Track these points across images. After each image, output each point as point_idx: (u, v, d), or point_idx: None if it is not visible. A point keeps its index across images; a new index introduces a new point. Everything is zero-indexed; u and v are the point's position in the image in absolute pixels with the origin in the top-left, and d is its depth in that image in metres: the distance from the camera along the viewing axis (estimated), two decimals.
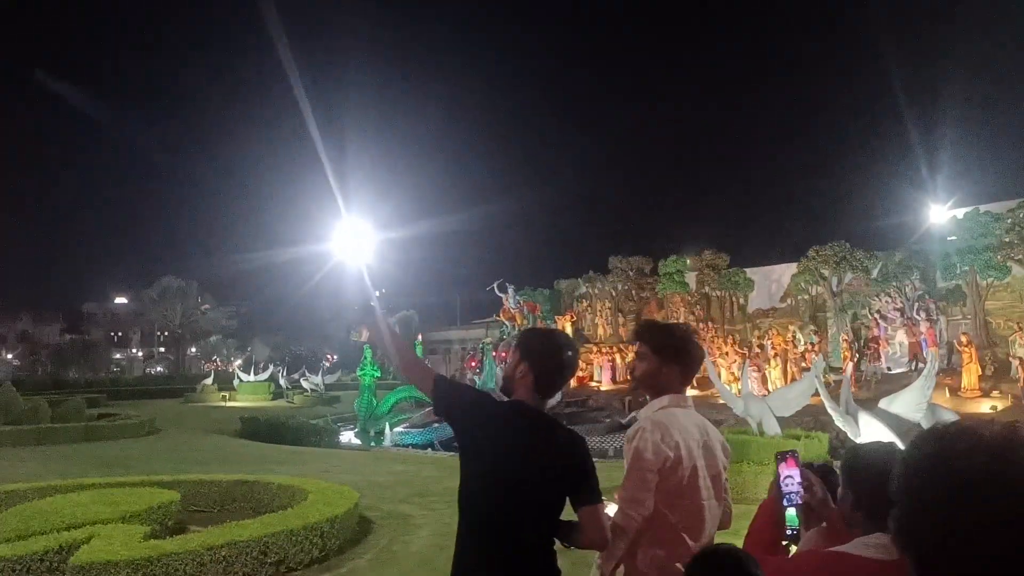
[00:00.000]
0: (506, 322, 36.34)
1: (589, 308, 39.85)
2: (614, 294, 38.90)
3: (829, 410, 11.42)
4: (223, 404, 37.44)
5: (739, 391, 28.72)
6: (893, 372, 28.36)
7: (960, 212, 28.90)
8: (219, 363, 45.58)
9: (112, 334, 55.98)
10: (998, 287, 27.43)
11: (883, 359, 28.79)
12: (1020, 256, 25.80)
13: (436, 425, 27.05)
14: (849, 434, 11.02)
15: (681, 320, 36.17)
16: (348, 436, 27.12)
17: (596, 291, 39.63)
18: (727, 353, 31.33)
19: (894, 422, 11.33)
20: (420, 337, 46.52)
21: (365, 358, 29.27)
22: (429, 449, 23.80)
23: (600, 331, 39.00)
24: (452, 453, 22.25)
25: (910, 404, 11.67)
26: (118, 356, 52.50)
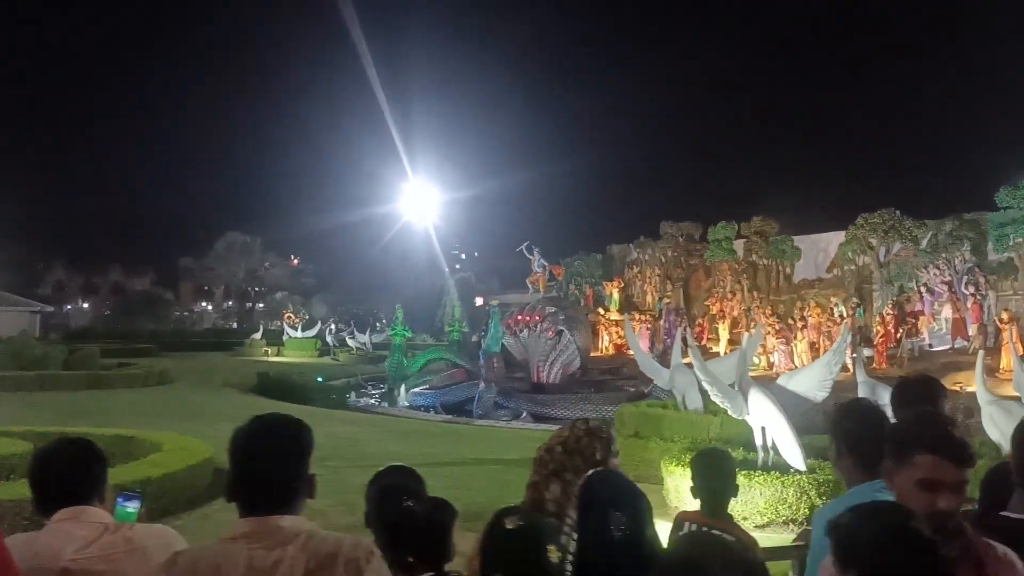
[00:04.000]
0: (530, 285, 36.32)
1: (639, 275, 39.28)
2: (664, 260, 38.18)
3: (704, 384, 11.00)
4: (266, 359, 39.11)
5: (769, 364, 28.03)
6: (934, 349, 26.85)
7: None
8: (292, 317, 47.29)
9: (201, 287, 59.48)
10: None
11: (926, 335, 27.26)
12: None
13: (454, 387, 27.59)
14: (730, 411, 10.59)
15: (728, 288, 35.27)
16: (369, 396, 27.88)
17: (647, 257, 38.99)
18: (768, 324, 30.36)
19: (790, 400, 10.84)
20: (481, 300, 46.93)
21: (396, 318, 29.92)
22: (432, 411, 24.27)
23: (648, 298, 38.42)
24: (449, 417, 22.81)
25: (812, 382, 11.07)
26: (196, 309, 55.65)
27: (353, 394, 26.98)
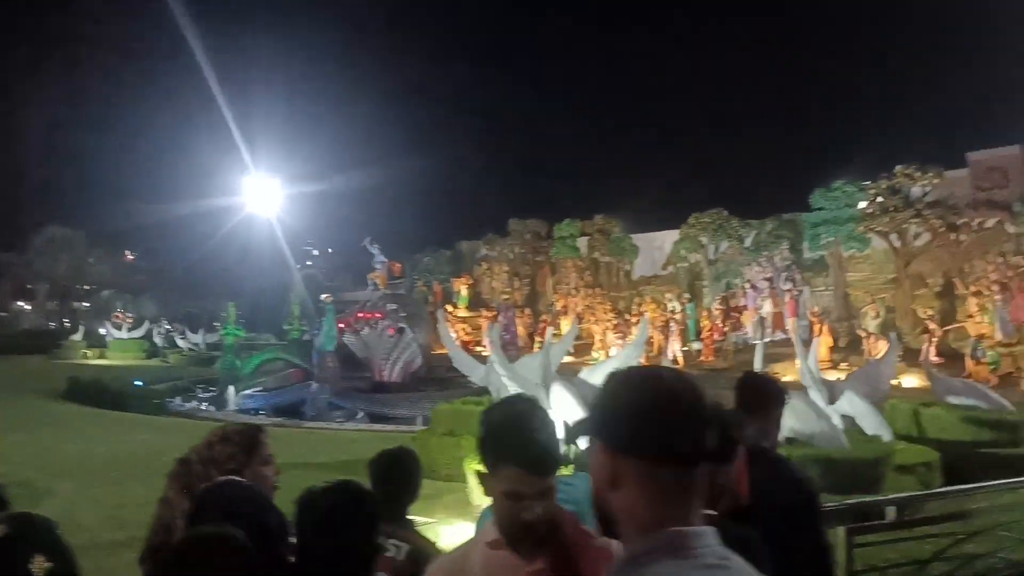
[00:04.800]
0: (371, 281, 35.89)
1: (488, 271, 39.50)
2: (511, 257, 38.54)
3: (504, 380, 11.06)
4: (86, 362, 36.53)
5: (608, 359, 28.80)
6: (757, 342, 28.36)
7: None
8: (122, 316, 44.31)
9: (22, 286, 54.73)
10: (859, 259, 27.44)
11: (749, 329, 28.75)
12: (880, 227, 25.66)
13: (287, 388, 26.77)
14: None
15: (572, 285, 36.03)
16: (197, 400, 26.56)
17: (495, 254, 39.24)
18: (605, 320, 31.21)
19: (589, 392, 11.06)
20: (329, 298, 45.73)
21: (228, 317, 28.74)
22: (262, 414, 23.42)
23: (502, 296, 38.68)
24: (278, 420, 22.00)
25: None
26: (12, 309, 51.27)
27: (179, 398, 25.63)
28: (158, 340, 41.34)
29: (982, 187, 25.07)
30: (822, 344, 25.45)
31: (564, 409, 10.76)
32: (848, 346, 25.92)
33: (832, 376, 24.39)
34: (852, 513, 6.46)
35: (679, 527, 1.42)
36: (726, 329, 28.88)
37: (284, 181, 45.57)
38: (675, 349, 28.12)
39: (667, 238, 33.34)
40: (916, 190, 25.35)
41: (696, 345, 28.91)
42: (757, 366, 13.02)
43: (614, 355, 12.60)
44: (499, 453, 2.23)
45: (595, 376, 11.46)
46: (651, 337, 29.63)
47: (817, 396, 12.14)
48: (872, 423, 11.37)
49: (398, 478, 3.51)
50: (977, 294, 23.81)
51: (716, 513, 2.61)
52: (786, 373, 23.69)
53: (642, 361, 17.71)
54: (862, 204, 26.45)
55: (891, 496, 6.52)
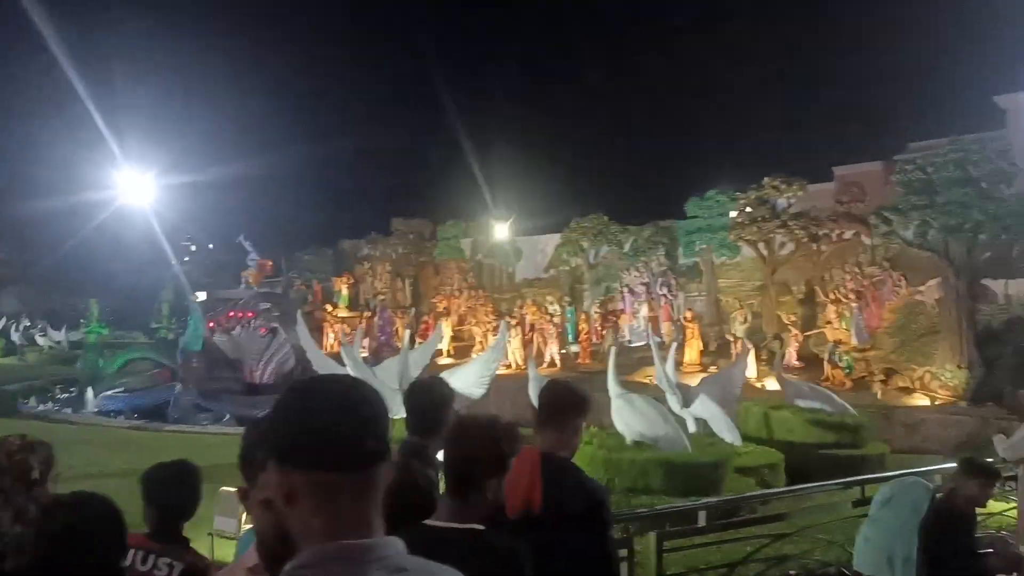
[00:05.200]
0: (243, 279, 34.80)
1: (370, 270, 38.90)
2: (395, 257, 38.08)
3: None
4: None
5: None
6: (633, 345, 28.96)
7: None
8: None
9: None
10: (730, 266, 28.45)
11: (626, 332, 29.35)
12: (749, 236, 26.63)
13: (151, 389, 25.56)
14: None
15: (455, 286, 35.91)
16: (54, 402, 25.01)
17: (378, 253, 38.68)
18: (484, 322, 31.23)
19: None
20: (201, 297, 43.95)
21: (91, 314, 27.20)
22: (121, 416, 22.25)
23: (379, 296, 38.14)
24: (138, 422, 20.98)
25: (471, 378, 11.35)
26: None
27: (33, 399, 24.05)
28: (16, 337, 38.70)
29: (842, 200, 26.39)
30: (693, 347, 26.28)
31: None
32: (718, 350, 26.77)
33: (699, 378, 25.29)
34: (686, 516, 6.57)
35: (351, 540, 1.33)
36: (604, 332, 29.40)
37: (160, 172, 43.46)
38: (553, 351, 28.40)
39: (549, 241, 33.69)
40: (782, 201, 26.47)
41: (574, 348, 29.31)
42: (658, 370, 13.21)
43: (473, 359, 12.53)
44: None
45: (454, 378, 11.32)
46: (529, 339, 29.93)
47: (672, 400, 12.44)
48: (723, 426, 11.72)
49: (173, 494, 3.31)
50: (836, 301, 25.08)
51: (483, 527, 2.54)
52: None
53: (547, 367, 17.81)
54: (733, 213, 27.43)
55: (703, 501, 6.66)
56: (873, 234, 24.31)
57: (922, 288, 24.25)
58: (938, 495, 4.88)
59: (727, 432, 11.57)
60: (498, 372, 27.03)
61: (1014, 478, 6.69)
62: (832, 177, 31.08)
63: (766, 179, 26.55)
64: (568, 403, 3.34)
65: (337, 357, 25.33)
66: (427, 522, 2.57)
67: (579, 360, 28.40)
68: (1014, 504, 6.72)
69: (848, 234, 25.84)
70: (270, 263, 36.98)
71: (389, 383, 12.22)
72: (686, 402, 12.24)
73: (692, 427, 12.15)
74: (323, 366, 13.98)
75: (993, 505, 6.88)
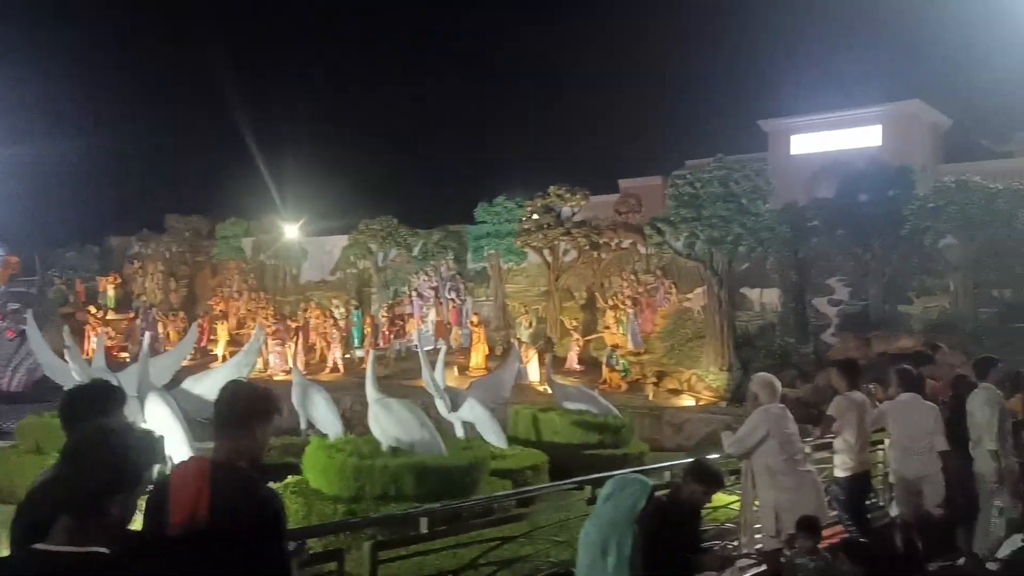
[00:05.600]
0: None
1: (140, 270, 35.97)
2: (168, 256, 35.46)
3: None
4: None
5: (265, 365, 27.40)
6: (424, 349, 28.62)
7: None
8: None
9: None
10: (516, 271, 28.93)
11: (414, 336, 28.95)
12: (535, 243, 27.14)
13: None
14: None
15: (234, 288, 33.98)
16: None
17: (150, 251, 35.86)
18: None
19: (191, 403, 10.06)
20: None
21: None
22: None
23: (150, 296, 35.34)
24: None
25: (218, 383, 10.52)
26: None
27: None
28: None
29: (621, 211, 27.57)
30: (479, 352, 26.36)
31: (159, 422, 9.61)
32: (503, 354, 26.99)
33: None
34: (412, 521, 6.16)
35: None
36: (391, 336, 28.89)
37: None
38: (336, 356, 27.49)
39: (337, 243, 32.76)
40: (566, 210, 27.24)
41: (359, 352, 28.55)
42: (426, 375, 12.84)
43: (226, 363, 11.68)
44: None
45: (200, 385, 10.40)
46: (313, 343, 28.85)
47: (440, 404, 12.17)
48: (489, 429, 11.58)
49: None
50: (614, 307, 26.09)
51: (106, 551, 2.29)
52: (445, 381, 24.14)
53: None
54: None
55: (423, 507, 6.34)
56: (648, 244, 25.53)
57: (690, 296, 25.79)
58: (660, 492, 4.90)
59: (493, 436, 11.45)
60: (278, 378, 26.01)
61: (737, 472, 6.92)
62: (619, 189, 32.54)
63: (551, 187, 27.19)
64: (248, 408, 3.07)
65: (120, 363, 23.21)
66: (39, 546, 2.25)
67: (363, 365, 27.62)
68: (738, 497, 6.93)
69: (626, 243, 27.02)
70: (16, 259, 33.20)
71: (129, 390, 11.00)
72: (454, 406, 11.99)
73: (460, 431, 11.93)
74: (57, 372, 12.45)
75: (720, 498, 7.09)
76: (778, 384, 6.77)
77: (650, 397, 22.96)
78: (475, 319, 26.73)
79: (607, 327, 25.92)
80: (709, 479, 5.01)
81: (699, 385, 23.13)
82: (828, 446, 8.06)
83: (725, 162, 23.68)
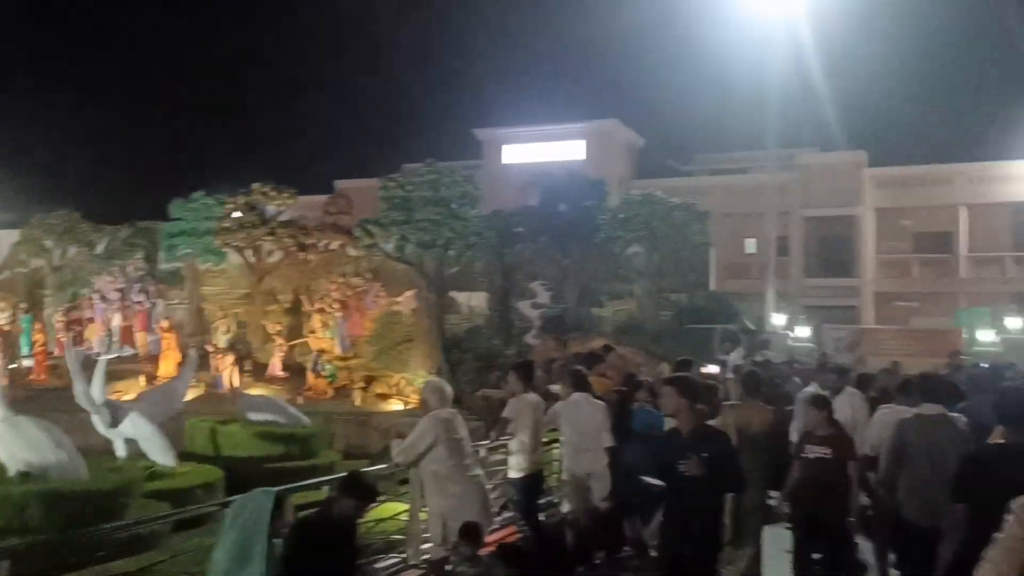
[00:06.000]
0: None
1: None
2: None
3: None
4: None
5: None
6: (102, 357, 25.68)
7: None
8: None
9: None
10: (215, 272, 27.04)
11: (94, 343, 25.91)
12: (236, 242, 25.43)
13: None
14: None
15: None
16: None
17: None
18: None
19: None
20: None
21: None
22: None
23: None
24: None
25: None
26: None
27: None
28: None
29: (330, 211, 26.71)
30: (170, 359, 24.12)
31: None
32: (199, 361, 25.01)
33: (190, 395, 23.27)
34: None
35: None
36: (67, 343, 25.55)
37: None
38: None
39: (4, 239, 28.54)
40: (272, 209, 25.86)
41: (27, 362, 25.03)
42: (77, 387, 11.10)
43: None
44: None
45: None
46: None
47: (97, 420, 10.66)
48: (154, 446, 10.31)
49: None
50: (321, 311, 25.13)
51: None
52: (129, 391, 21.76)
53: None
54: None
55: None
56: (358, 246, 24.95)
57: (400, 299, 25.53)
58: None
59: (159, 453, 10.20)
60: None
61: (407, 481, 6.59)
62: (334, 189, 31.53)
63: (255, 185, 25.70)
64: None
65: None
66: None
67: (32, 376, 24.28)
68: (407, 507, 6.59)
69: (335, 245, 26.20)
70: None
71: None
72: (114, 421, 10.54)
73: (121, 450, 10.52)
74: None
75: (389, 507, 6.73)
76: (448, 389, 6.57)
77: (357, 403, 22.36)
78: (165, 324, 24.46)
79: (313, 331, 24.90)
80: (362, 492, 4.76)
81: (408, 389, 22.91)
82: (504, 447, 8.00)
83: (436, 167, 23.77)
